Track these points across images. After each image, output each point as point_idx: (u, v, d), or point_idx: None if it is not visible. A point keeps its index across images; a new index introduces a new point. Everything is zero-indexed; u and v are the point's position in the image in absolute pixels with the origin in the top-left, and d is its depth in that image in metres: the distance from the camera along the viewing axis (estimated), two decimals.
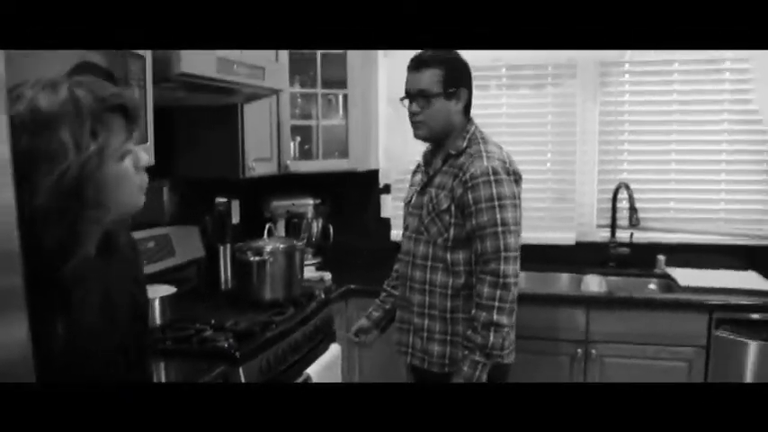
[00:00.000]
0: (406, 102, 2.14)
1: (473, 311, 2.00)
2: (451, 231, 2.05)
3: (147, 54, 1.86)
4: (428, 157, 2.24)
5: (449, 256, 2.07)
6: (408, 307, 2.18)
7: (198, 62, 2.02)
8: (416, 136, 2.18)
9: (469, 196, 2.00)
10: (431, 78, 2.06)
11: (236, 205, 3.21)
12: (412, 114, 2.12)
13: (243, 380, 2.00)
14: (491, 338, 1.95)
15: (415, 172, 2.34)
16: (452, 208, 2.05)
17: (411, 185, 2.31)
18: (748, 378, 2.65)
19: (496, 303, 1.96)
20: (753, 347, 2.67)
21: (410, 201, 2.25)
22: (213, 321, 2.24)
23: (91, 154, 1.05)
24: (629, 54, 3.29)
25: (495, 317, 1.95)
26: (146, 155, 1.18)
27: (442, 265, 2.08)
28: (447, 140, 2.13)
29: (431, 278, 2.10)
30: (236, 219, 3.20)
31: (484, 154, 2.04)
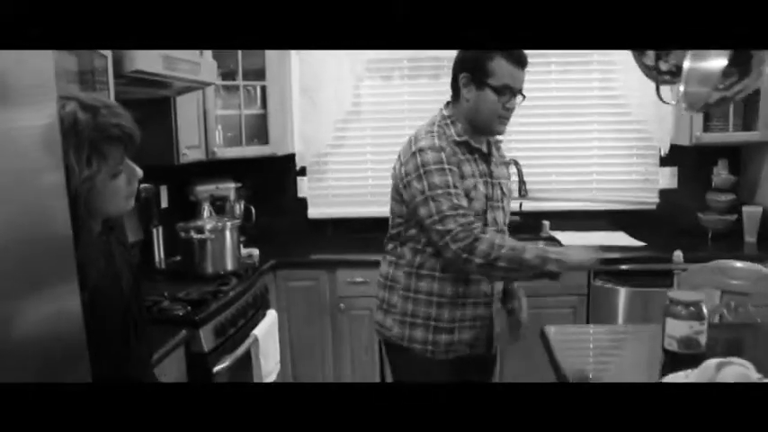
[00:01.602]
0: (490, 96, 1.99)
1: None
2: None
3: (108, 53, 2.09)
4: (474, 145, 2.06)
5: None
6: (490, 300, 2.14)
7: (148, 60, 2.25)
8: (501, 131, 2.09)
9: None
10: None
11: (164, 191, 3.42)
12: (509, 110, 2.02)
13: (203, 341, 2.28)
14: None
15: (459, 162, 2.01)
16: None
17: (469, 177, 2.02)
18: (620, 317, 3.18)
19: None
20: (623, 293, 3.21)
21: (487, 194, 2.07)
22: (166, 294, 2.49)
23: (84, 179, 1.24)
24: None
25: None
26: (140, 170, 1.41)
27: None
28: None
29: None
30: (164, 203, 3.41)
31: None
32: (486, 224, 2.02)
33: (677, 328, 1.73)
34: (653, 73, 1.45)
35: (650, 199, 3.86)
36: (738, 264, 2.55)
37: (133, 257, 1.59)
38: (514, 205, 3.75)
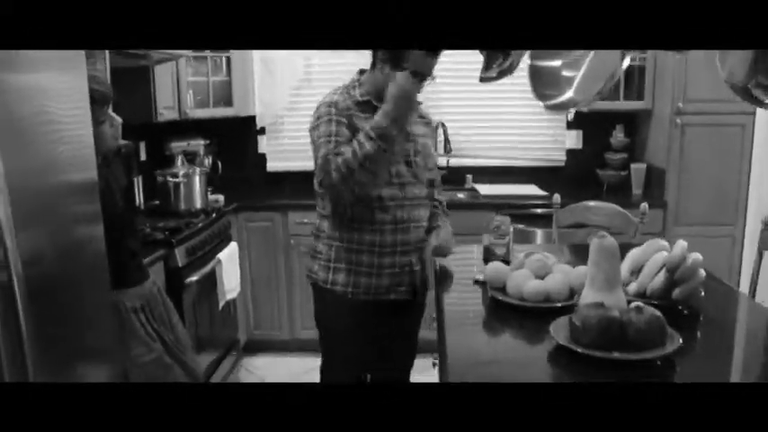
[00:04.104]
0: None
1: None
2: None
3: None
4: (377, 105, 2.13)
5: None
6: (412, 247, 2.31)
7: None
8: None
9: None
10: None
11: (143, 146, 4.03)
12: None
13: (178, 258, 2.93)
14: None
15: (352, 116, 2.17)
16: None
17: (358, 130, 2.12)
18: None
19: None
20: (539, 233, 3.88)
21: None
22: (147, 224, 3.12)
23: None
24: None
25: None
26: (118, 117, 2.10)
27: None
28: None
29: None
30: (143, 157, 4.02)
31: None
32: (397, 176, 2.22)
33: (484, 240, 2.43)
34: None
35: (559, 157, 4.56)
36: (599, 203, 3.25)
37: (127, 188, 2.24)
38: (441, 161, 4.44)
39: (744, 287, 3.25)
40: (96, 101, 1.94)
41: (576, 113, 4.38)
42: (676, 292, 1.89)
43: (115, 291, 2.01)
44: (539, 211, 3.93)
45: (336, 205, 2.23)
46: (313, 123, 2.19)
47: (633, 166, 4.25)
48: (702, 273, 1.94)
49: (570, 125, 4.50)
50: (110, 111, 2.09)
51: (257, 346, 4.10)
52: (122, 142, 3.83)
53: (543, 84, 1.74)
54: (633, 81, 4.21)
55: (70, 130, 1.71)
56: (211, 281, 3.22)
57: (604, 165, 4.42)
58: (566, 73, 1.63)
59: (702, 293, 1.97)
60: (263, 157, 4.57)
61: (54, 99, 1.63)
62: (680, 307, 1.92)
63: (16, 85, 1.47)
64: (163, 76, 3.59)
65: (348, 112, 2.16)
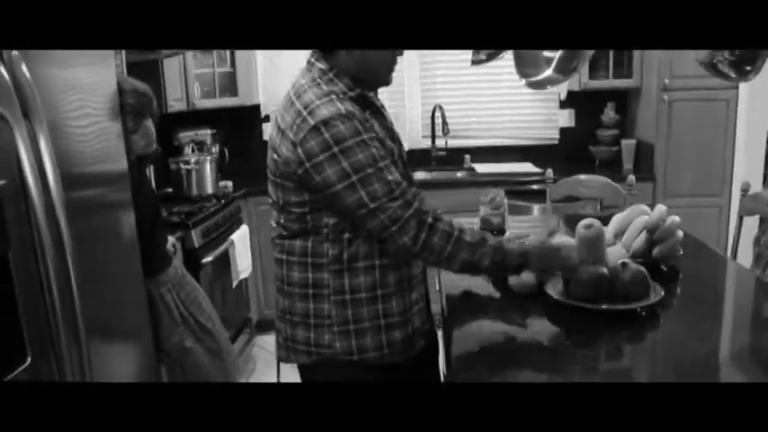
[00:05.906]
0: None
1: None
2: None
3: None
4: (371, 99, 1.71)
5: None
6: (417, 280, 1.78)
7: None
8: (390, 82, 1.72)
9: None
10: None
11: None
12: (396, 58, 1.69)
13: (194, 239, 3.11)
14: None
15: (367, 121, 1.59)
16: None
17: (386, 139, 1.66)
18: None
19: None
20: (535, 208, 4.05)
21: (401, 153, 1.74)
22: (163, 209, 3.30)
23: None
24: None
25: None
26: (153, 130, 2.22)
27: None
28: None
29: None
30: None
31: None
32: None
33: (480, 212, 2.61)
34: None
35: (552, 135, 4.74)
36: (590, 177, 3.43)
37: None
38: (440, 143, 4.62)
39: (730, 253, 3.43)
40: (126, 112, 2.06)
41: (569, 93, 4.55)
42: (656, 251, 2.07)
43: (144, 279, 2.14)
44: (534, 186, 4.10)
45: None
46: (322, 149, 1.51)
47: (623, 141, 4.42)
48: (680, 233, 2.12)
49: (563, 104, 4.67)
50: (147, 123, 2.19)
51: (268, 325, 4.29)
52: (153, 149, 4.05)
53: (526, 64, 1.93)
54: (622, 60, 4.37)
55: (102, 122, 1.87)
56: (225, 261, 3.41)
57: (596, 141, 4.60)
58: (546, 54, 1.82)
59: (681, 252, 2.15)
60: (267, 144, 4.73)
61: (88, 92, 1.79)
62: (660, 265, 2.11)
63: (58, 80, 1.63)
64: (171, 69, 3.77)
65: (368, 120, 1.60)
